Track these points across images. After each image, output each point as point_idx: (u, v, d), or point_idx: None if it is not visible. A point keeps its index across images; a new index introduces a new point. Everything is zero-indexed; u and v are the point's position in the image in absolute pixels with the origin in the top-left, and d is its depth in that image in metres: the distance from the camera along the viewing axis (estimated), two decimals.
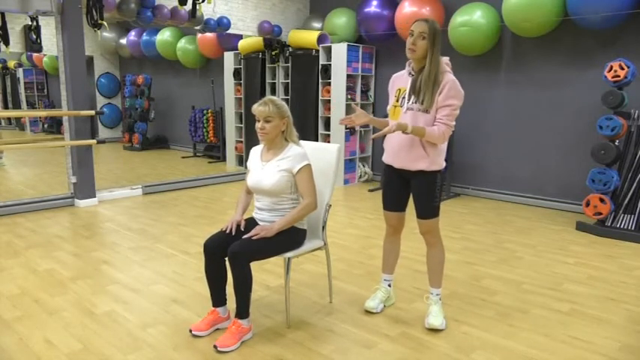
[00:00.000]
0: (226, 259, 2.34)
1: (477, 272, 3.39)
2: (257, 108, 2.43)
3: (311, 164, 2.49)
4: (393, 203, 2.65)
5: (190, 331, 2.46)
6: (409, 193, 2.61)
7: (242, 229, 2.48)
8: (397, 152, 2.50)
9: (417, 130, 2.34)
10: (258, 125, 2.45)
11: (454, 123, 2.41)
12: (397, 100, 2.52)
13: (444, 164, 2.51)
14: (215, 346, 2.30)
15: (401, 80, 2.55)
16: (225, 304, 2.52)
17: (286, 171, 2.44)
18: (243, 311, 2.36)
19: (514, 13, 4.79)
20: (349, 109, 6.41)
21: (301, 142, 2.61)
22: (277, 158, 2.48)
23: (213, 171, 7.37)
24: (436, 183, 2.49)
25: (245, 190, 2.68)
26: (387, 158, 2.60)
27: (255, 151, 2.63)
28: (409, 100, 2.45)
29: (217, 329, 2.49)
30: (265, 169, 2.49)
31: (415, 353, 2.32)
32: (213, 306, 2.51)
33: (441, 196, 2.54)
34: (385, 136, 2.61)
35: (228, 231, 2.45)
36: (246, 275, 2.30)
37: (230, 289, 2.42)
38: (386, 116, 2.66)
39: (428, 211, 2.52)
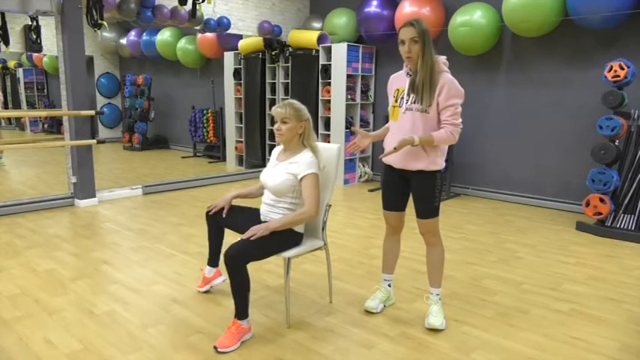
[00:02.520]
0: (225, 228, 2.75)
1: (477, 272, 3.40)
2: (275, 109, 2.52)
3: (318, 174, 2.50)
4: (393, 203, 2.65)
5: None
6: (409, 192, 2.61)
7: (223, 215, 2.72)
8: (396, 153, 2.50)
9: (425, 139, 2.36)
10: (275, 126, 2.53)
11: (460, 120, 2.42)
12: (396, 101, 2.52)
13: (443, 164, 2.51)
14: (215, 347, 2.31)
15: (399, 80, 2.55)
16: (217, 266, 2.92)
17: (292, 175, 2.49)
18: (242, 312, 2.36)
19: (514, 13, 4.79)
20: (349, 109, 6.42)
21: (318, 144, 2.62)
22: (289, 161, 2.54)
23: (213, 171, 7.38)
24: (436, 183, 2.49)
25: (259, 184, 2.75)
26: (386, 158, 2.60)
27: (276, 150, 2.72)
28: (408, 100, 2.45)
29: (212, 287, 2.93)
30: (276, 168, 2.57)
31: (415, 353, 2.32)
32: (208, 264, 2.92)
33: (440, 196, 2.54)
34: (383, 138, 2.62)
35: (210, 213, 2.75)
36: (244, 277, 2.31)
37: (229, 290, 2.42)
38: (386, 117, 2.67)
39: (428, 210, 2.52)
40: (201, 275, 2.98)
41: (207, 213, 2.76)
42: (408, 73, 2.48)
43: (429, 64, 2.36)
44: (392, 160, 2.54)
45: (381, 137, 2.67)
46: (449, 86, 2.37)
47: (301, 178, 2.47)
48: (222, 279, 2.93)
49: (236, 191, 2.78)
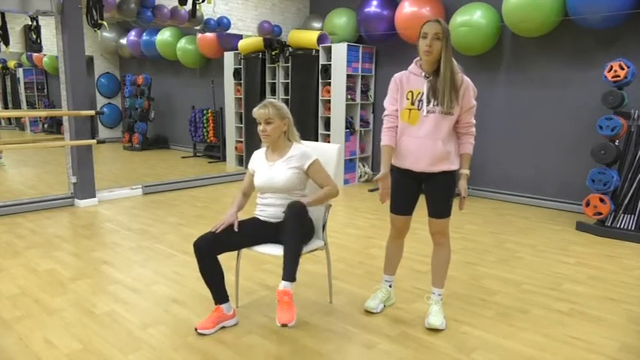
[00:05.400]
0: (219, 256, 2.42)
1: (477, 272, 3.39)
2: (257, 111, 2.49)
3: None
4: (404, 207, 2.63)
5: (196, 329, 2.46)
6: (419, 195, 2.61)
7: (235, 230, 2.48)
8: (418, 157, 2.47)
9: (467, 162, 2.52)
10: (259, 128, 2.50)
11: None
12: (412, 103, 2.46)
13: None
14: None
15: (411, 81, 2.48)
16: (228, 300, 2.51)
17: (297, 168, 2.51)
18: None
19: (514, 13, 4.79)
20: (349, 109, 6.42)
21: (302, 141, 2.66)
22: (284, 158, 2.53)
23: (213, 171, 7.38)
24: (453, 182, 2.52)
25: (242, 192, 2.70)
26: (403, 163, 2.53)
27: (259, 154, 2.66)
28: (428, 103, 2.42)
29: (223, 327, 2.50)
30: (274, 168, 2.53)
31: (415, 353, 2.32)
32: (216, 304, 2.50)
33: (454, 196, 2.55)
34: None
35: (217, 231, 2.42)
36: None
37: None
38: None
39: (444, 210, 2.53)
40: (215, 314, 2.49)
41: (196, 245, 2.38)
42: (425, 76, 2.43)
43: (450, 66, 2.36)
44: (411, 163, 2.49)
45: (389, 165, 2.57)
46: (470, 88, 2.42)
47: (308, 167, 2.52)
48: (235, 320, 2.57)
49: (234, 207, 2.58)
